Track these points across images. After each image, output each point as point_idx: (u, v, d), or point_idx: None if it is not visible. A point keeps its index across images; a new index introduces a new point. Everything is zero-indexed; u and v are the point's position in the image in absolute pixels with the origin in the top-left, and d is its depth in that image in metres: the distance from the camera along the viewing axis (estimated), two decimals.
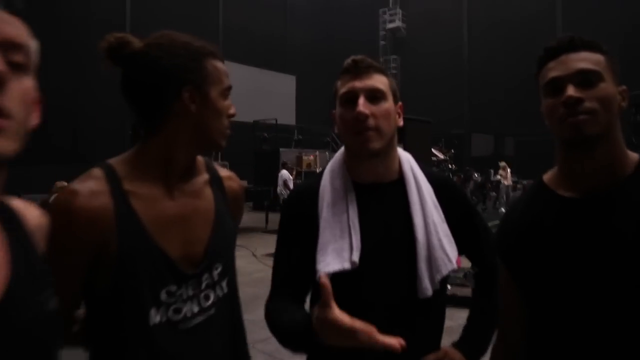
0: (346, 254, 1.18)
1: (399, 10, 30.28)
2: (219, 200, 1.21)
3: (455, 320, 1.73)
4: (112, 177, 1.05)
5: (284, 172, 12.49)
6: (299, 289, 1.28)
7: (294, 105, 26.47)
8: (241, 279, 1.65)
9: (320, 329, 0.97)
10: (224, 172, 1.29)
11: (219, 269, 1.16)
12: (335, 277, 1.12)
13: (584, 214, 1.07)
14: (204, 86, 1.09)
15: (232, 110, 1.16)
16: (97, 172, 1.05)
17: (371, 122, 1.19)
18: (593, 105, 1.02)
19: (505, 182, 15.00)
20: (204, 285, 1.12)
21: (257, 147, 17.97)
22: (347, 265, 1.17)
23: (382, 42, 30.66)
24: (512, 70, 24.92)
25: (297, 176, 12.76)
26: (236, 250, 1.33)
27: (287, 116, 24.27)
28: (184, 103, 1.07)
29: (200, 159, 1.23)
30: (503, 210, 14.21)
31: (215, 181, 1.24)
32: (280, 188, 12.70)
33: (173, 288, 1.06)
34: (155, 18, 19.45)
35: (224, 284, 1.18)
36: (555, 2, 24.56)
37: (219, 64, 1.14)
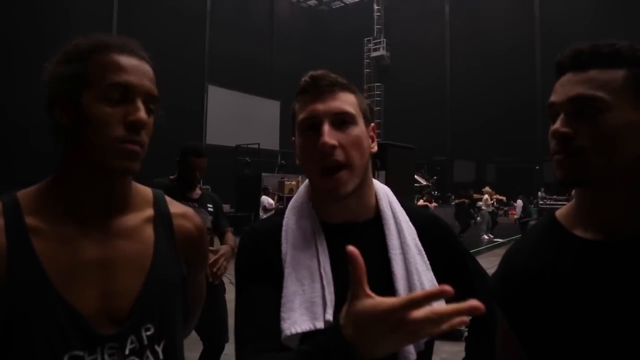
0: (319, 310, 0.93)
1: (383, 40, 30.90)
2: (161, 242, 0.98)
3: (438, 354, 1.67)
4: (11, 211, 0.85)
5: (264, 198, 12.45)
6: (271, 344, 1.01)
7: (278, 130, 26.54)
8: None
9: (358, 331, 0.69)
10: (176, 209, 1.06)
11: (151, 330, 0.91)
12: (304, 338, 0.92)
13: (610, 261, 0.86)
14: (72, 92, 0.86)
15: (132, 116, 0.86)
16: None
17: (340, 155, 0.95)
18: (583, 144, 0.83)
19: (486, 208, 15.05)
20: (128, 350, 0.87)
21: (239, 172, 17.89)
22: (320, 325, 0.92)
23: (366, 70, 31.13)
24: (493, 99, 25.54)
25: (278, 201, 12.67)
26: None
27: (271, 141, 24.29)
28: (57, 119, 0.87)
29: (145, 190, 1.03)
30: (485, 237, 14.25)
31: (162, 219, 1.01)
32: (261, 213, 12.63)
33: (79, 353, 0.82)
34: (142, 43, 19.40)
35: (158, 349, 0.92)
36: (534, 36, 25.38)
37: (109, 57, 0.87)
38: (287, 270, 0.98)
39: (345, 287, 0.93)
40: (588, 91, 0.83)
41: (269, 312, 0.98)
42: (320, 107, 0.98)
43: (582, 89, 0.84)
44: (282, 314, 0.94)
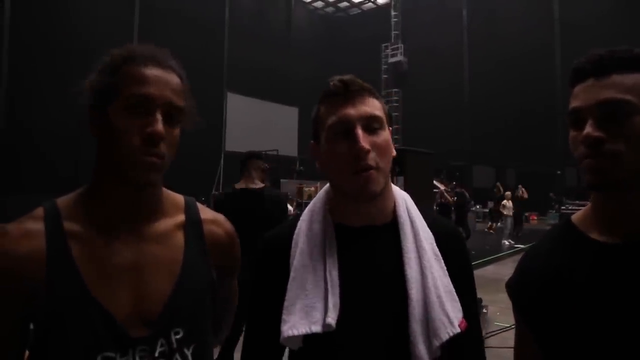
0: (318, 314, 0.95)
1: (400, 45, 30.82)
2: (192, 248, 1.00)
3: None
4: (51, 216, 0.89)
5: None
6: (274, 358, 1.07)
7: (296, 136, 26.64)
8: None
9: None
10: (206, 215, 1.08)
11: (180, 334, 0.93)
12: (307, 340, 0.96)
13: (626, 263, 0.87)
14: (102, 102, 0.89)
15: (148, 128, 0.87)
16: (38, 210, 0.90)
17: (372, 159, 0.97)
18: (617, 147, 0.84)
19: (507, 213, 14.80)
20: (157, 352, 0.90)
21: None
22: (316, 328, 0.94)
23: (384, 76, 31.07)
24: (512, 103, 25.21)
25: (297, 207, 12.68)
26: None
27: (289, 147, 24.41)
28: (90, 129, 0.92)
29: (177, 197, 1.06)
30: (506, 243, 14.04)
31: (193, 225, 1.03)
32: None
33: (112, 355, 0.85)
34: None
35: (187, 352, 0.93)
36: (554, 38, 25.03)
37: (135, 69, 0.89)
38: (292, 275, 1.01)
39: (352, 289, 1.00)
40: (617, 95, 0.84)
41: (272, 326, 1.00)
42: (352, 111, 0.99)
43: (610, 93, 0.85)
44: (283, 317, 0.98)
